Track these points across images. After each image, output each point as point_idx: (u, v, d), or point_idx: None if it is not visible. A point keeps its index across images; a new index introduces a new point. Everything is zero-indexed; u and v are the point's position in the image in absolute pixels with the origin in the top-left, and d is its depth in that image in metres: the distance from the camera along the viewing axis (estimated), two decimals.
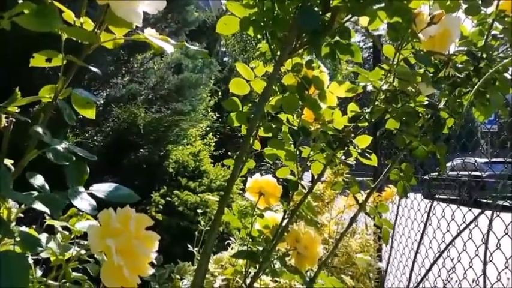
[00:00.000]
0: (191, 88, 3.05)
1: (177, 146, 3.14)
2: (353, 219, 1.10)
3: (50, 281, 0.60)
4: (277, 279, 1.68)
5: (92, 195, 0.53)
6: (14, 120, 0.52)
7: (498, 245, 1.58)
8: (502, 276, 1.56)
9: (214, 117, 5.98)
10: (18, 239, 0.52)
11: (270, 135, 1.11)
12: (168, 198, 2.68)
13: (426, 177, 2.40)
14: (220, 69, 5.92)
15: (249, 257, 1.03)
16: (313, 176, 1.15)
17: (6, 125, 0.51)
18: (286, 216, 1.10)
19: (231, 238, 2.09)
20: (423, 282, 1.40)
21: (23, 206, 0.53)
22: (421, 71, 1.04)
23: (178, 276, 1.97)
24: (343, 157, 0.99)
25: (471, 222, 1.21)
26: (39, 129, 0.50)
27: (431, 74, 1.05)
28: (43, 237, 0.58)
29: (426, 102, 1.06)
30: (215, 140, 5.44)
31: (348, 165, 0.96)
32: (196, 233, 1.96)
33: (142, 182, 2.70)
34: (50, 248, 0.57)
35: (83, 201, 0.51)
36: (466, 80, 1.08)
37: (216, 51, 8.06)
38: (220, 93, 6.07)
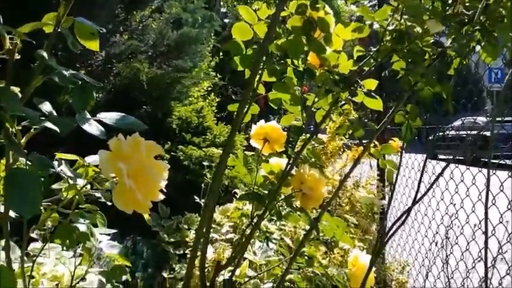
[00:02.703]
0: (191, 44, 3.00)
1: (179, 103, 3.13)
2: (357, 161, 1.11)
3: (61, 208, 0.61)
4: (282, 227, 1.72)
5: (99, 121, 0.54)
6: (17, 43, 0.51)
7: (493, 202, 1.61)
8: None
9: (216, 78, 5.91)
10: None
11: (273, 79, 1.09)
12: (172, 153, 2.71)
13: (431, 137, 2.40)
14: (221, 29, 5.77)
15: (255, 198, 1.05)
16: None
17: (10, 47, 0.51)
18: (290, 161, 1.11)
19: (236, 191, 2.12)
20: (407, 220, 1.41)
21: (32, 130, 0.54)
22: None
23: (185, 227, 2.02)
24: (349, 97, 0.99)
25: (445, 167, 1.19)
26: (44, 54, 0.50)
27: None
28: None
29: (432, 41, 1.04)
30: (217, 100, 5.40)
31: (354, 103, 0.96)
32: (202, 185, 1.98)
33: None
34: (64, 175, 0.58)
35: (91, 126, 0.52)
36: (473, 18, 1.05)
37: (216, 10, 7.85)
38: (221, 53, 5.96)
